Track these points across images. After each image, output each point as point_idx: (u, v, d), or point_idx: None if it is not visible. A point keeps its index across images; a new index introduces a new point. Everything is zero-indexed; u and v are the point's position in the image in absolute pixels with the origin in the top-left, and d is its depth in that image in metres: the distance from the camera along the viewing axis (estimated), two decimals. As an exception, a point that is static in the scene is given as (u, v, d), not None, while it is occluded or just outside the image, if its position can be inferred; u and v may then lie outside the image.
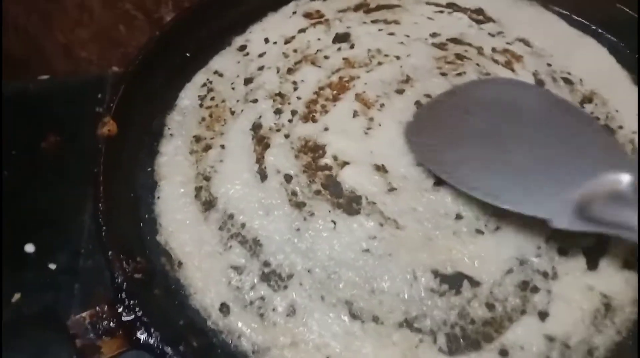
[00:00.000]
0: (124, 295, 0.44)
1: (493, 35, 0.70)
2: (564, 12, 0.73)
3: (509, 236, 0.52)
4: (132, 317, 0.43)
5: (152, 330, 0.43)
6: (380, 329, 0.47)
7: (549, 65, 0.66)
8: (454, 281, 0.49)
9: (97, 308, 0.43)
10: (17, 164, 0.83)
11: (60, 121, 0.87)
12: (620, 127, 0.60)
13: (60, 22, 0.99)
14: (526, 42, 0.69)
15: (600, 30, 0.71)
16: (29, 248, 0.78)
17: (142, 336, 0.42)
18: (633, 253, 0.51)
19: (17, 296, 0.74)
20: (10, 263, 0.76)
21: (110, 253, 0.46)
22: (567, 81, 0.65)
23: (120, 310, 0.43)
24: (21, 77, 1.00)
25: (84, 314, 0.42)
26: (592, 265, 0.50)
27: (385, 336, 0.47)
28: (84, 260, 0.79)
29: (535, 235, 0.52)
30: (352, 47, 0.69)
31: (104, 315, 0.43)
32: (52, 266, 0.78)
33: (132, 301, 0.44)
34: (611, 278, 0.49)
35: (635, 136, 0.59)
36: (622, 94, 0.64)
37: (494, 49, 0.68)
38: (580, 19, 0.72)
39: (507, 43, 0.69)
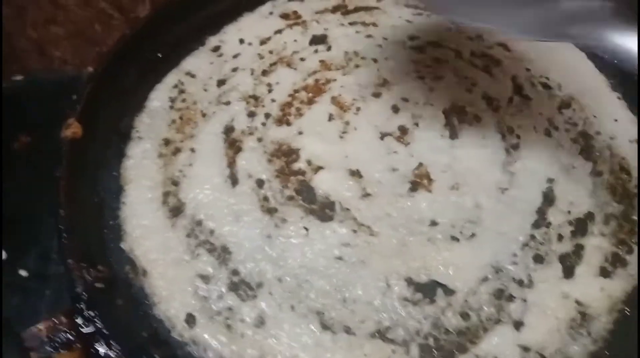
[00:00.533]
0: (83, 306, 0.42)
1: (472, 39, 0.69)
2: None
3: (484, 243, 0.51)
4: (91, 329, 0.41)
5: (113, 342, 0.41)
6: (352, 340, 0.46)
7: (528, 70, 0.66)
8: (428, 289, 0.48)
9: (54, 319, 0.41)
10: (-13, 165, 0.80)
11: (32, 122, 0.85)
12: (598, 133, 0.60)
13: (34, 18, 0.97)
14: (505, 47, 0.68)
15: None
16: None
17: (101, 349, 0.40)
18: (609, 260, 0.50)
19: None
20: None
21: (70, 261, 0.44)
22: (546, 86, 0.64)
23: (79, 321, 0.41)
24: (-5, 77, 0.97)
25: (40, 326, 0.40)
26: (568, 272, 0.49)
27: (357, 347, 0.45)
28: (55, 265, 0.77)
29: (511, 242, 0.51)
30: (329, 49, 0.68)
31: (62, 327, 0.41)
32: (23, 273, 0.76)
33: (91, 313, 0.42)
34: (587, 286, 0.48)
35: (612, 142, 0.59)
36: (600, 100, 0.63)
37: (472, 53, 0.67)
38: (558, 24, 0.71)
39: (487, 47, 0.68)
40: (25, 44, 1.00)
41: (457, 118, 0.60)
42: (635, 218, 0.53)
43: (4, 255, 0.74)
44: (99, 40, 1.01)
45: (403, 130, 0.59)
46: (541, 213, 0.53)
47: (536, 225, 0.52)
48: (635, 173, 0.56)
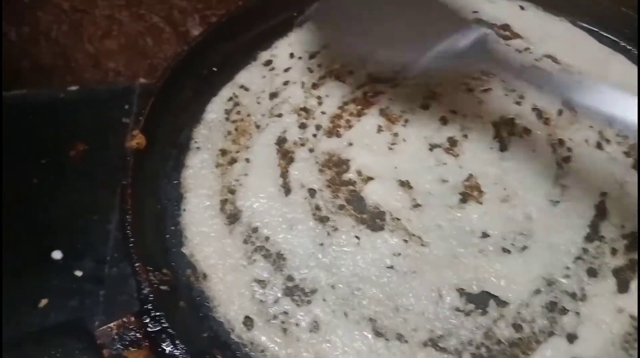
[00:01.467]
0: (150, 306, 0.44)
1: (520, 52, 0.70)
2: (593, 28, 0.72)
3: (536, 255, 0.51)
4: (158, 328, 0.43)
5: (178, 342, 0.43)
6: (405, 348, 0.47)
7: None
8: (480, 300, 0.49)
9: (124, 318, 0.43)
10: (46, 172, 0.85)
11: (88, 130, 0.89)
12: None
13: (89, 32, 1.02)
14: (554, 59, 0.68)
15: (629, 47, 0.70)
16: (56, 254, 0.80)
17: (167, 348, 0.43)
18: (665, 275, 0.50)
19: (44, 302, 0.75)
20: (38, 269, 0.78)
21: (137, 264, 0.47)
22: None
23: (146, 321, 0.43)
24: (51, 87, 1.03)
25: (111, 324, 0.43)
26: (623, 287, 0.49)
27: (410, 355, 0.46)
28: (109, 267, 0.80)
29: (564, 255, 0.51)
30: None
31: (131, 326, 0.43)
32: (79, 273, 0.79)
33: (158, 313, 0.44)
34: (642, 301, 0.48)
35: None
36: None
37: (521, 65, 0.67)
38: (609, 35, 0.71)
39: (535, 59, 0.68)
40: (81, 57, 1.05)
41: (506, 131, 0.60)
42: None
43: (60, 255, 0.79)
44: (150, 53, 1.06)
45: (452, 142, 0.60)
46: (594, 226, 0.53)
47: (589, 239, 0.52)
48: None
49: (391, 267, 0.51)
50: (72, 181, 0.86)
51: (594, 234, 0.52)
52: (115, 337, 0.42)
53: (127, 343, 0.42)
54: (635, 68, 0.67)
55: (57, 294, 0.77)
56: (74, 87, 0.95)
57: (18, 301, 0.72)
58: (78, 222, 0.83)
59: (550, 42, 0.70)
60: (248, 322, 0.48)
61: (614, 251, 0.51)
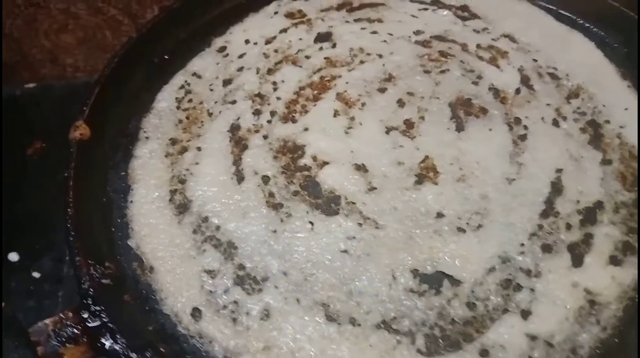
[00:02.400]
0: (89, 301, 0.42)
1: (478, 32, 0.69)
2: (552, 7, 0.71)
3: (491, 233, 0.50)
4: (97, 323, 0.42)
5: (118, 336, 0.42)
6: (357, 331, 0.45)
7: (535, 60, 0.65)
8: (434, 280, 0.48)
9: (61, 314, 0.41)
10: (3, 172, 0.82)
11: (46, 128, 0.87)
12: (607, 121, 0.59)
13: (44, 27, 0.99)
14: (512, 38, 0.68)
15: (587, 25, 0.70)
16: (13, 256, 0.77)
17: (107, 342, 0.41)
18: (619, 248, 0.49)
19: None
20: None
21: (77, 258, 0.45)
22: (553, 76, 0.63)
23: (85, 316, 0.41)
24: (8, 84, 0.99)
25: (47, 321, 0.41)
26: (577, 261, 0.48)
27: (362, 338, 0.45)
28: (68, 266, 0.78)
29: (519, 232, 0.50)
30: (334, 46, 0.68)
31: (68, 322, 0.41)
32: (36, 274, 0.77)
33: (98, 308, 0.42)
34: (596, 275, 0.47)
35: (622, 131, 0.58)
36: (609, 89, 0.62)
37: (478, 46, 0.67)
38: (567, 13, 0.71)
39: (493, 39, 0.68)
40: (37, 53, 1.02)
41: (463, 111, 0.60)
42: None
43: (16, 257, 0.76)
44: (110, 47, 1.03)
45: (409, 124, 0.59)
46: (549, 203, 0.52)
47: (544, 215, 0.51)
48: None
49: (345, 251, 0.49)
50: (30, 180, 0.83)
51: (549, 210, 0.52)
52: (51, 333, 0.40)
53: (63, 339, 0.40)
54: (591, 45, 0.66)
55: (14, 296, 0.74)
56: (31, 84, 0.92)
57: (-27, 305, 0.70)
58: (36, 222, 0.80)
59: (508, 22, 0.70)
60: (196, 313, 0.47)
61: (568, 227, 0.50)
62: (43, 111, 0.89)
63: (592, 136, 0.58)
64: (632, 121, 0.59)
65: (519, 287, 0.47)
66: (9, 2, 0.95)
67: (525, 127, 0.58)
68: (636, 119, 0.58)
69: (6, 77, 1.05)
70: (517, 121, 0.59)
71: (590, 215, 0.51)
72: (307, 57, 0.67)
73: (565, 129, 0.58)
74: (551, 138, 0.57)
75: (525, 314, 0.46)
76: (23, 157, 0.85)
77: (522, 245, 0.49)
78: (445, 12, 0.72)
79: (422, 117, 0.59)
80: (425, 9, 0.72)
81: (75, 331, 0.41)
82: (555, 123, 0.59)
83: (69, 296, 0.75)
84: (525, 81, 0.63)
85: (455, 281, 0.48)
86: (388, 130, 0.59)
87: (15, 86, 0.92)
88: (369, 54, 0.66)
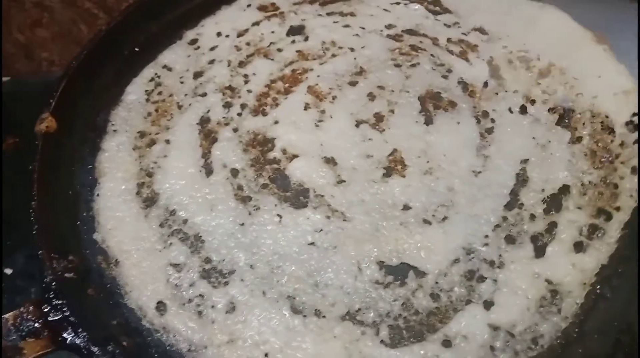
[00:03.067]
0: (51, 295, 0.42)
1: (449, 26, 0.69)
2: None
3: (456, 225, 0.51)
4: (59, 316, 0.41)
5: (80, 330, 0.41)
6: (322, 323, 0.46)
7: (505, 47, 0.65)
8: (399, 272, 0.48)
9: (22, 308, 0.41)
10: (-25, 166, 0.81)
11: (19, 123, 0.85)
12: (579, 94, 0.59)
13: (18, 21, 0.97)
14: (482, 31, 0.68)
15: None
16: (-16, 253, 0.76)
17: (68, 336, 0.41)
18: (584, 233, 0.50)
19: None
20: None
21: (40, 252, 0.44)
22: (523, 59, 0.63)
23: (47, 310, 0.41)
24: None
25: (6, 315, 0.41)
26: (540, 252, 0.49)
27: (327, 330, 0.45)
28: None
29: (483, 224, 0.51)
30: (306, 39, 0.68)
31: (29, 316, 0.41)
32: (8, 271, 0.76)
33: (59, 301, 0.42)
34: (558, 264, 0.48)
35: (595, 101, 0.58)
36: (582, 59, 0.62)
37: (449, 40, 0.67)
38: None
39: (463, 33, 0.68)
40: (11, 47, 1.00)
41: (432, 104, 0.60)
42: (618, 181, 0.52)
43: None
44: (85, 41, 1.01)
45: (378, 117, 0.59)
46: (514, 194, 0.53)
47: (509, 207, 0.52)
48: (620, 130, 0.55)
49: (312, 243, 0.50)
50: (3, 175, 0.82)
51: (514, 202, 0.52)
52: (11, 327, 0.40)
53: (23, 333, 0.40)
54: (565, 16, 0.65)
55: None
56: (5, 79, 0.91)
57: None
58: (8, 217, 0.79)
59: (479, 14, 0.70)
60: (161, 307, 0.46)
61: (532, 217, 0.51)
62: (17, 106, 0.88)
63: (561, 115, 0.58)
64: (605, 88, 0.58)
65: (482, 278, 0.48)
66: (-19, -3, 0.94)
67: (493, 120, 0.59)
68: (610, 84, 0.58)
69: (-21, 73, 1.03)
70: (485, 114, 0.59)
71: (555, 202, 0.52)
72: (279, 50, 0.67)
73: (532, 114, 0.59)
74: (517, 128, 0.58)
75: (488, 305, 0.47)
76: (-4, 152, 0.83)
77: (487, 236, 0.50)
78: (417, 6, 0.72)
79: (392, 111, 0.60)
80: (397, 3, 0.72)
81: (36, 325, 0.41)
82: (523, 110, 0.59)
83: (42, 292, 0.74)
84: (494, 71, 0.63)
85: (419, 273, 0.48)
86: (358, 123, 0.59)
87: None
88: (340, 48, 0.66)
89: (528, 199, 0.52)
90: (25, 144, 0.84)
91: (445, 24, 0.69)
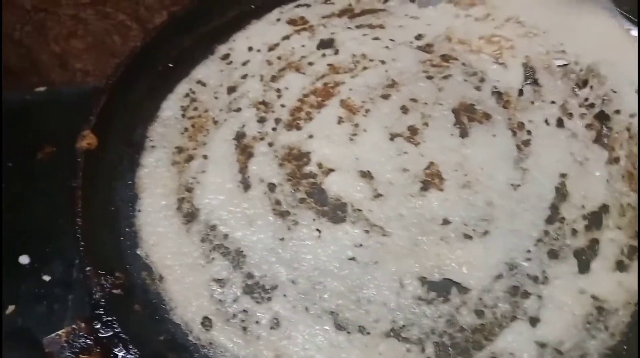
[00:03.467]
0: (101, 311, 0.43)
1: (481, 20, 0.68)
2: None
3: (497, 240, 0.51)
4: (110, 333, 0.42)
5: (131, 346, 0.42)
6: (367, 340, 0.46)
7: (541, 46, 0.63)
8: (442, 288, 0.48)
9: (74, 325, 0.42)
10: (13, 176, 0.82)
11: (55, 132, 0.86)
12: (617, 112, 0.58)
13: (54, 32, 0.99)
14: (517, 21, 0.66)
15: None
16: (24, 259, 0.77)
17: (120, 353, 0.41)
18: (625, 253, 0.50)
19: (11, 308, 0.73)
20: (5, 275, 0.75)
21: (88, 268, 0.45)
22: (560, 63, 0.62)
23: (97, 326, 0.42)
24: (18, 89, 0.99)
25: (60, 332, 0.41)
26: (584, 267, 0.49)
27: (372, 347, 0.45)
28: (77, 271, 0.78)
29: (525, 238, 0.51)
30: (336, 53, 0.68)
31: (81, 333, 0.42)
32: (47, 277, 0.77)
33: (109, 318, 0.43)
34: (603, 281, 0.48)
35: (632, 121, 0.57)
36: (623, 66, 0.60)
37: (481, 38, 0.66)
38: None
39: (496, 27, 0.67)
40: (47, 58, 1.02)
41: (466, 117, 0.60)
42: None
43: (27, 260, 0.76)
44: (118, 52, 1.03)
45: (413, 130, 0.59)
46: (554, 208, 0.52)
47: (549, 221, 0.52)
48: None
49: (353, 259, 0.50)
50: (40, 184, 0.83)
51: (554, 216, 0.52)
52: (64, 344, 0.41)
53: (77, 350, 0.41)
54: (605, 14, 0.63)
55: (24, 300, 0.75)
56: (40, 89, 0.92)
57: (-17, 308, 0.70)
58: (46, 226, 0.81)
59: (512, 3, 0.68)
60: (206, 322, 0.47)
61: (574, 233, 0.51)
62: (52, 116, 0.89)
63: (598, 133, 0.57)
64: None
65: (526, 294, 0.48)
66: (19, 8, 0.96)
67: (529, 132, 0.59)
68: None
69: (16, 82, 1.05)
70: (521, 125, 0.59)
71: (595, 220, 0.52)
72: (310, 64, 0.67)
73: (570, 129, 0.58)
74: (555, 141, 0.58)
75: (534, 321, 0.46)
76: (32, 161, 0.85)
77: (529, 251, 0.50)
78: (447, 4, 0.71)
79: (426, 124, 0.60)
80: (426, 7, 0.72)
81: (88, 342, 0.41)
82: (560, 123, 0.59)
83: (79, 300, 0.75)
84: (530, 75, 0.63)
85: (463, 289, 0.48)
86: (392, 136, 0.59)
87: (25, 92, 0.92)
88: (371, 61, 0.66)
89: (569, 214, 0.52)
90: (61, 153, 0.86)
91: (476, 19, 0.68)
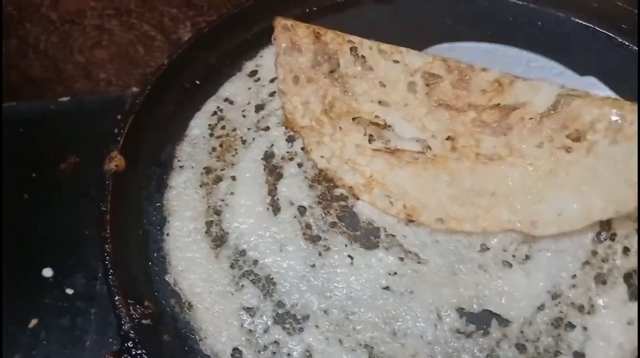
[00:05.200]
0: (130, 344, 0.42)
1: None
2: (588, 24, 0.68)
3: (539, 266, 0.48)
4: (139, 367, 0.41)
5: (161, 381, 0.41)
6: (404, 375, 0.44)
7: None
8: (481, 320, 0.46)
9: (103, 359, 0.41)
10: (36, 186, 0.83)
11: (79, 142, 0.87)
12: None
13: (79, 43, 1.00)
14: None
15: (626, 43, 0.66)
16: (47, 272, 0.78)
17: (150, 387, 0.40)
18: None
19: (34, 321, 0.73)
20: (28, 288, 0.75)
21: (116, 298, 0.44)
22: None
23: (127, 360, 0.41)
24: (42, 98, 1.00)
25: (89, 367, 0.40)
26: (634, 294, 0.46)
27: (409, 383, 0.44)
28: (101, 284, 0.78)
29: (569, 261, 0.48)
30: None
31: (110, 367, 0.41)
32: (70, 291, 0.77)
33: (139, 351, 0.42)
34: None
35: None
36: None
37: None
38: (604, 30, 0.67)
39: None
40: (71, 68, 1.03)
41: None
42: None
43: (50, 273, 0.76)
44: (142, 62, 1.04)
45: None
46: (605, 222, 0.49)
47: (598, 238, 0.49)
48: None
49: (387, 288, 0.48)
50: (63, 195, 0.84)
51: (604, 231, 0.49)
52: (95, 379, 0.40)
53: (107, 385, 0.40)
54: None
55: (47, 313, 0.75)
56: (65, 99, 0.93)
57: (7, 321, 0.70)
58: (69, 238, 0.81)
59: None
60: (237, 354, 0.46)
61: (626, 251, 0.48)
62: (76, 125, 0.90)
63: None
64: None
65: (570, 326, 0.45)
66: (45, 19, 0.97)
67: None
68: None
69: (40, 92, 1.06)
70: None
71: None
72: (340, 78, 0.65)
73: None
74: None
75: (579, 356, 0.44)
76: (56, 171, 0.85)
77: (574, 276, 0.47)
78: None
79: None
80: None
81: (118, 377, 0.40)
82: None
83: (102, 314, 0.75)
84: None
85: (503, 321, 0.46)
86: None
87: (49, 101, 0.92)
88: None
89: (621, 229, 0.49)
90: (85, 163, 0.86)
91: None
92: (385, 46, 0.61)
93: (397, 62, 0.60)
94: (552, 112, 0.53)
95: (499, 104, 0.55)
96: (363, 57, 0.60)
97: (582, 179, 0.49)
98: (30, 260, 0.78)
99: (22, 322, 0.73)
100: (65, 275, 0.78)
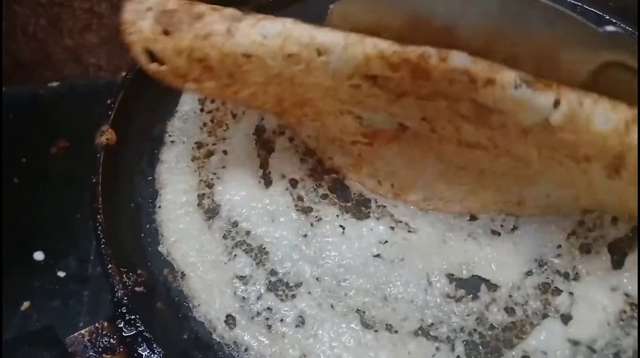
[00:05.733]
0: (124, 310, 0.42)
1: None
2: (576, 2, 0.67)
3: (526, 236, 0.49)
4: (133, 332, 0.41)
5: (155, 345, 0.41)
6: (395, 338, 0.45)
7: None
8: (470, 285, 0.47)
9: (97, 324, 0.41)
10: (27, 171, 0.82)
11: (69, 127, 0.87)
12: None
13: (68, 26, 0.99)
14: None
15: (613, 20, 0.66)
16: (38, 255, 0.77)
17: (144, 352, 0.40)
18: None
19: (26, 304, 0.73)
20: (19, 271, 0.75)
21: (109, 266, 0.44)
22: None
23: (121, 325, 0.41)
24: (31, 83, 1.00)
25: (82, 331, 0.41)
26: (617, 263, 0.47)
27: (400, 345, 0.44)
28: (93, 266, 0.78)
29: (555, 233, 0.49)
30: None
31: (104, 332, 0.41)
32: (61, 273, 0.77)
33: (133, 316, 0.42)
34: (636, 278, 0.46)
35: None
36: None
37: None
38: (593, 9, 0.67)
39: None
40: (61, 52, 1.02)
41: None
42: None
43: (42, 256, 0.76)
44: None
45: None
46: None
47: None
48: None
49: (378, 256, 0.49)
50: (53, 179, 0.83)
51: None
52: (88, 344, 0.40)
53: (100, 349, 0.40)
54: None
55: (39, 296, 0.75)
56: (54, 83, 0.92)
57: (-2, 304, 0.70)
58: (60, 221, 0.81)
59: None
60: (230, 320, 0.46)
61: (614, 220, 0.48)
62: (66, 110, 0.89)
63: None
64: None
65: (557, 291, 0.46)
66: (34, 2, 0.96)
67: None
68: None
69: (29, 77, 1.05)
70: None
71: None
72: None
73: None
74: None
75: (566, 319, 0.45)
76: (46, 156, 0.85)
77: (559, 246, 0.48)
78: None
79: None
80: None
81: (112, 341, 0.41)
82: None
83: (94, 296, 0.75)
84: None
85: (492, 286, 0.47)
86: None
87: (38, 86, 0.92)
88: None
89: None
90: (75, 148, 0.85)
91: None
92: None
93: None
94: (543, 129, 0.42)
95: (474, 99, 0.43)
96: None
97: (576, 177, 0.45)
98: (22, 243, 0.78)
99: (14, 305, 0.73)
100: (56, 258, 0.78)
